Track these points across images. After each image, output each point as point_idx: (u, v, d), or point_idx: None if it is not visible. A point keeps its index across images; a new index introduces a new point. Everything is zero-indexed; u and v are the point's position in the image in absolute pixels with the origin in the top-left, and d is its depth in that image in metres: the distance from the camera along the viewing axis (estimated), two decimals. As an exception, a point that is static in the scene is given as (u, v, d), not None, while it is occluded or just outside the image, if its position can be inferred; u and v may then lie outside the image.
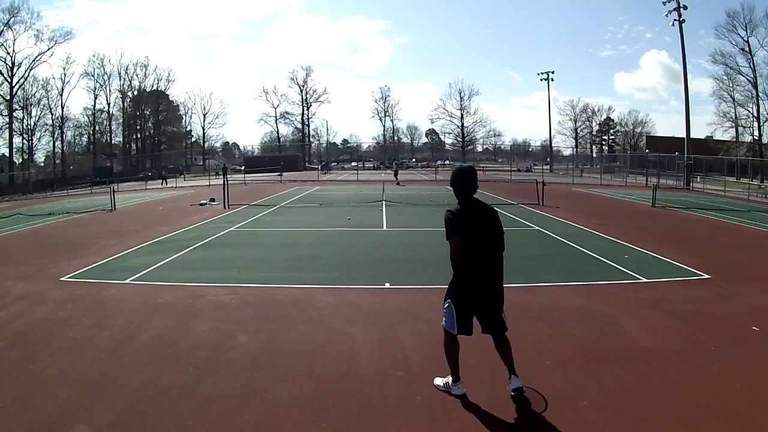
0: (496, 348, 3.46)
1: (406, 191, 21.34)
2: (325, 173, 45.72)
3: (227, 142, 77.17)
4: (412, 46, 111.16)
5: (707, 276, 6.80)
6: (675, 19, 32.40)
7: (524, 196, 18.47)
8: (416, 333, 4.61)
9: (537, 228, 11.48)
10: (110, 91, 58.78)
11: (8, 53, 47.05)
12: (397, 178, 32.70)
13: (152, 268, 7.46)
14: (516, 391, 3.33)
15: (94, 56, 63.70)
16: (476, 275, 3.27)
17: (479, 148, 75.11)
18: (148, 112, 63.54)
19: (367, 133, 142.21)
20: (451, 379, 3.48)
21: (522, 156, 72.60)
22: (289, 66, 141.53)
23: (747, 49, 43.50)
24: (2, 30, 46.20)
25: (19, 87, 48.83)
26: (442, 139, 77.37)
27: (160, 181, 37.18)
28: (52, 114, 53.08)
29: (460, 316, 3.32)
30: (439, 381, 3.56)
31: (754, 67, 43.66)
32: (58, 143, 55.01)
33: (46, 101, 52.38)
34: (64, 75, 52.98)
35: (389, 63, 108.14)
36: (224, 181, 18.44)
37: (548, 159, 60.80)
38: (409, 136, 79.64)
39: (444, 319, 3.42)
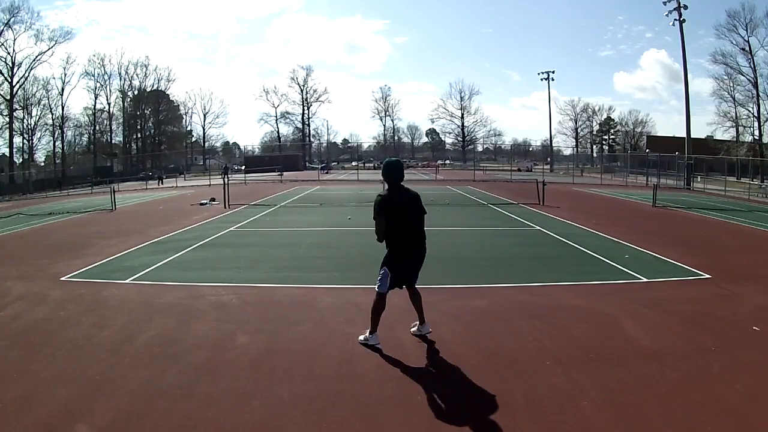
0: (410, 299, 4.39)
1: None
2: (326, 173, 45.74)
3: (227, 142, 77.30)
4: (412, 46, 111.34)
5: (707, 276, 6.79)
6: (675, 19, 32.44)
7: (525, 196, 18.46)
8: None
9: (537, 228, 11.46)
10: (110, 90, 58.96)
11: (8, 53, 47.21)
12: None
13: (152, 268, 7.46)
14: (419, 336, 4.38)
15: (94, 56, 63.95)
16: (407, 246, 4.13)
17: (480, 148, 75.29)
18: (148, 112, 63.61)
19: (367, 133, 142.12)
20: (369, 331, 4.23)
21: (522, 156, 72.62)
22: (287, 66, 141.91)
23: (747, 48, 43.61)
24: (2, 30, 46.29)
25: (20, 87, 48.95)
26: (443, 139, 77.56)
27: (157, 180, 37.28)
28: (52, 114, 53.21)
29: (393, 279, 4.13)
30: (361, 337, 4.29)
31: (754, 66, 43.76)
32: (58, 143, 55.18)
33: (47, 101, 52.55)
34: (65, 75, 53.13)
35: (389, 63, 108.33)
36: (225, 180, 18.44)
37: (548, 159, 60.82)
38: (409, 136, 79.76)
39: (378, 283, 4.16)
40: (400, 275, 4.17)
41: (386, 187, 4.22)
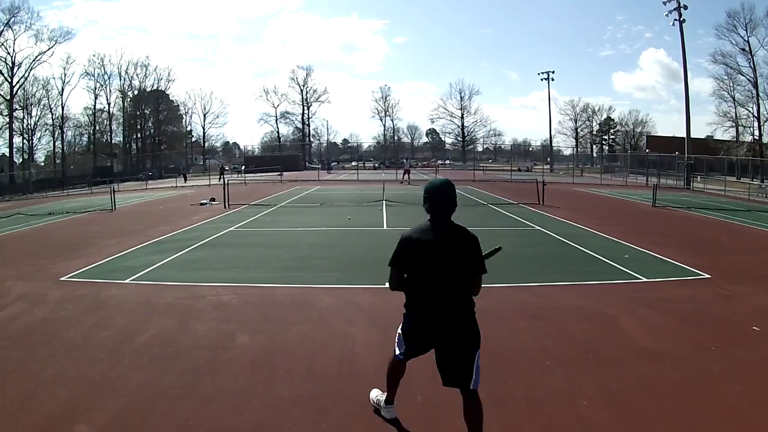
0: (465, 417, 2.68)
1: (406, 191, 21.33)
2: (328, 172, 45.80)
3: (227, 142, 77.21)
4: (411, 46, 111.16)
5: (707, 276, 6.79)
6: (675, 19, 32.45)
7: (525, 196, 18.46)
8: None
9: (537, 228, 11.47)
10: (110, 90, 58.83)
11: (8, 53, 47.11)
12: (409, 178, 31.26)
13: (152, 268, 7.46)
14: None
15: (94, 56, 63.78)
16: (435, 316, 2.70)
17: (480, 148, 75.27)
18: (148, 112, 63.54)
19: (367, 133, 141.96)
20: (385, 399, 3.14)
21: (522, 156, 72.61)
22: (284, 66, 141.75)
23: (747, 48, 43.57)
24: (2, 30, 46.25)
25: (20, 87, 48.86)
26: (443, 139, 77.50)
27: (182, 177, 38.09)
28: (52, 114, 53.12)
29: (408, 352, 2.85)
30: (374, 393, 3.26)
31: (754, 66, 43.73)
32: (58, 143, 55.06)
33: (47, 101, 52.44)
34: (64, 75, 53.01)
35: (388, 63, 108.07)
36: (223, 180, 18.44)
37: (548, 159, 60.83)
38: (409, 136, 79.69)
39: (396, 342, 2.95)
40: (420, 348, 2.81)
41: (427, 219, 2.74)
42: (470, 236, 2.74)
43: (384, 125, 73.83)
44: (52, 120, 53.27)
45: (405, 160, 43.23)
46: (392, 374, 3.04)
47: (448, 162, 66.46)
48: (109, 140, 61.25)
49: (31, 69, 49.32)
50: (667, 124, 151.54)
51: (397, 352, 2.91)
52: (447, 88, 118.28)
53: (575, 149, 67.59)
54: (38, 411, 3.22)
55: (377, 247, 9.23)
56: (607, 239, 9.89)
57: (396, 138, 76.94)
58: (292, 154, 60.70)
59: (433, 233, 2.66)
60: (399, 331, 2.90)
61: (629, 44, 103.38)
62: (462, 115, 71.61)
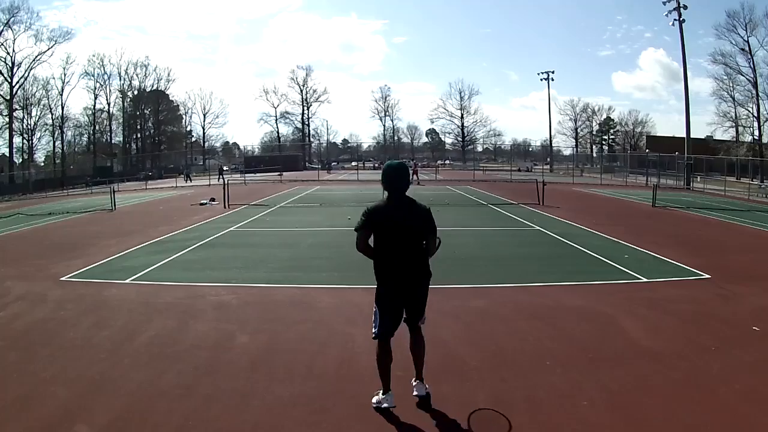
0: (410, 346, 3.38)
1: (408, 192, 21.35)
2: (328, 172, 45.80)
3: (227, 142, 77.20)
4: (410, 46, 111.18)
5: (707, 276, 6.79)
6: (675, 19, 32.43)
7: (524, 196, 18.47)
8: (416, 333, 4.60)
9: (537, 228, 11.47)
10: (110, 91, 58.86)
11: (8, 53, 47.13)
12: (417, 178, 30.59)
13: (152, 268, 7.46)
14: (420, 398, 3.31)
15: (93, 56, 63.72)
16: (399, 275, 3.20)
17: (479, 148, 75.30)
18: (148, 112, 63.56)
19: (367, 133, 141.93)
20: (381, 391, 3.27)
21: (522, 156, 72.62)
22: (284, 65, 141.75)
23: (747, 48, 43.59)
24: (2, 30, 46.26)
25: (19, 87, 48.88)
26: (443, 139, 77.51)
27: (185, 178, 38.02)
28: (52, 114, 53.13)
29: (388, 318, 3.23)
30: (374, 399, 3.30)
31: (754, 66, 43.75)
32: (58, 143, 55.08)
33: (46, 101, 52.45)
34: (64, 75, 53.04)
35: (388, 63, 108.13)
36: (222, 180, 18.44)
37: (548, 159, 60.82)
38: (409, 136, 79.69)
39: (372, 326, 3.28)
40: (394, 310, 3.26)
41: (385, 196, 3.28)
42: (423, 206, 3.32)
43: (384, 125, 73.94)
44: (52, 120, 53.31)
45: (411, 161, 41.96)
46: (381, 363, 3.26)
47: (447, 162, 66.46)
48: (109, 140, 61.25)
49: (31, 69, 49.40)
50: (667, 124, 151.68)
51: (374, 330, 3.26)
52: (447, 88, 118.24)
53: (575, 149, 67.66)
54: (38, 411, 3.22)
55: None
56: (606, 239, 9.89)
57: (396, 138, 77.00)
58: (291, 154, 60.75)
59: (394, 206, 3.23)
60: (374, 307, 3.28)
61: (629, 44, 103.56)
62: (462, 115, 71.72)
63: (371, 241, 3.27)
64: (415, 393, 3.36)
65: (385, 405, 3.22)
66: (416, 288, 3.26)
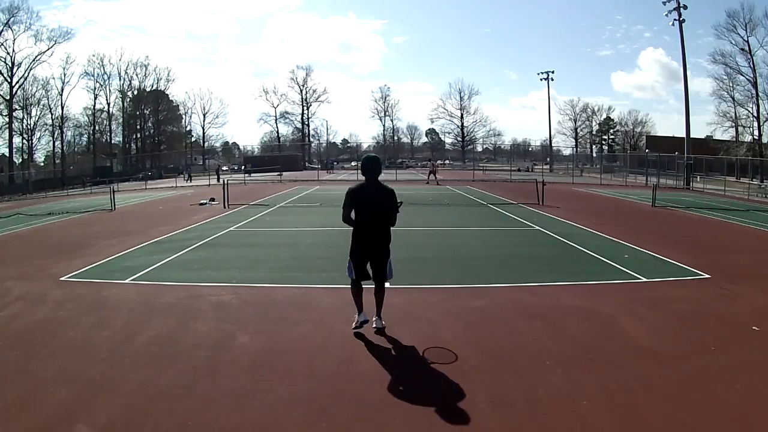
0: (374, 293, 4.59)
1: (406, 191, 21.33)
2: (328, 172, 45.79)
3: (227, 142, 77.22)
4: (410, 45, 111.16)
5: (707, 276, 6.80)
6: (675, 19, 32.39)
7: (524, 196, 18.47)
8: (416, 333, 4.60)
9: (537, 228, 11.47)
10: (110, 90, 58.93)
11: (8, 53, 47.19)
12: (436, 178, 29.84)
13: (152, 268, 7.45)
14: (378, 330, 4.54)
15: (93, 56, 63.91)
16: (369, 237, 4.42)
17: (479, 148, 75.33)
18: (147, 112, 63.59)
19: (366, 133, 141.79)
20: (357, 313, 4.55)
21: (522, 156, 72.63)
22: (283, 65, 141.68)
23: (747, 48, 43.61)
24: (2, 30, 46.29)
25: (19, 87, 48.97)
26: (442, 139, 77.53)
27: (187, 179, 37.92)
28: (51, 114, 53.19)
29: (355, 265, 4.49)
30: (353, 324, 4.53)
31: (753, 66, 43.79)
32: (57, 143, 55.12)
33: (46, 101, 52.54)
34: (64, 75, 53.11)
35: (387, 63, 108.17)
36: (220, 180, 18.44)
37: (548, 159, 60.81)
38: (408, 136, 79.72)
39: (347, 269, 4.56)
40: (362, 262, 4.47)
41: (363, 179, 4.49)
42: (390, 189, 4.51)
43: (383, 125, 73.93)
44: (52, 120, 53.36)
45: (429, 161, 40.18)
46: (355, 294, 4.59)
47: (447, 162, 66.48)
48: (108, 140, 61.29)
49: (31, 69, 49.48)
50: (667, 124, 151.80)
51: (348, 274, 4.58)
52: (446, 88, 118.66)
53: (575, 149, 67.59)
54: (38, 411, 3.21)
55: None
56: (606, 239, 9.90)
57: (396, 138, 77.00)
58: (291, 154, 60.69)
59: (368, 187, 4.47)
60: (349, 258, 4.53)
61: (628, 44, 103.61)
62: (461, 115, 71.76)
63: (353, 215, 4.42)
64: (374, 326, 4.55)
65: (361, 320, 4.49)
66: (380, 249, 4.49)
